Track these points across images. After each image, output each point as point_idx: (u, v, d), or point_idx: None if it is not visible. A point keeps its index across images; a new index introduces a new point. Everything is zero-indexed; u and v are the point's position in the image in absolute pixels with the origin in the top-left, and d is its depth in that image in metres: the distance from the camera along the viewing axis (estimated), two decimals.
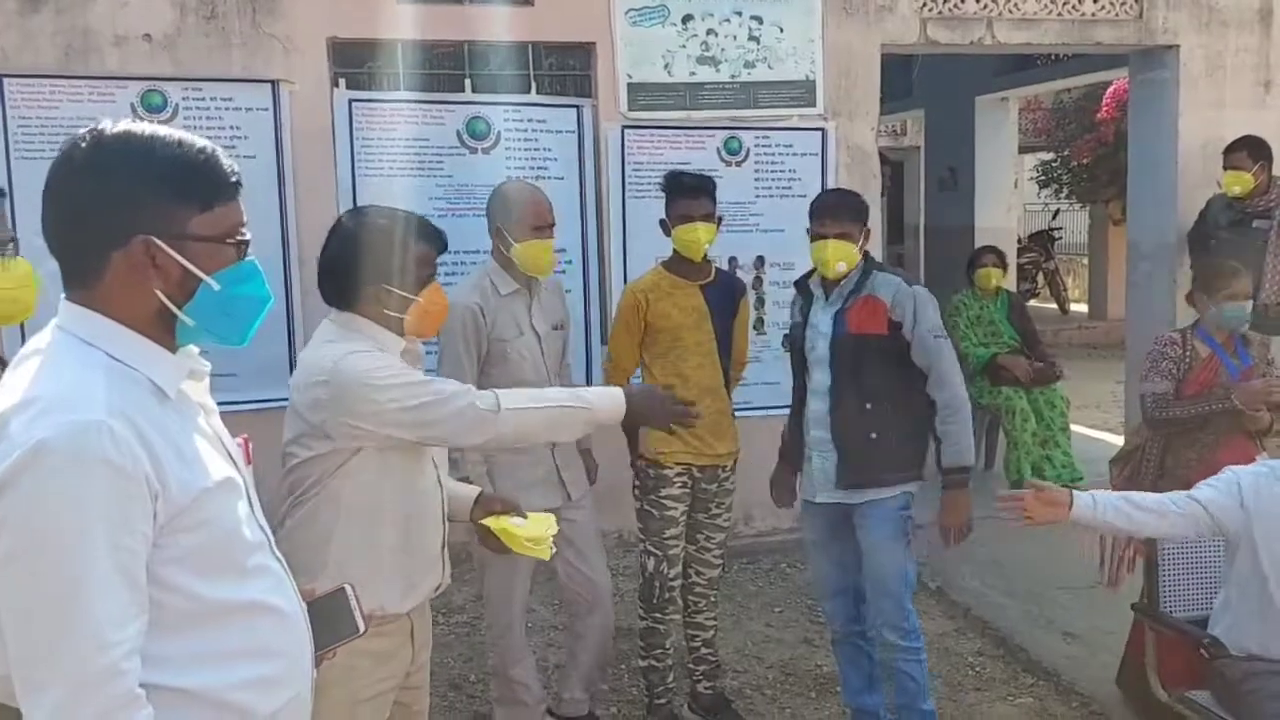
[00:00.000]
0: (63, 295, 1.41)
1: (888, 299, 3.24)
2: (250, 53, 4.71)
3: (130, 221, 1.35)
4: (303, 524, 2.21)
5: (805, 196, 5.31)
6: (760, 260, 5.29)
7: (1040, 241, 14.19)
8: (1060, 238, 15.25)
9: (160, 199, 1.37)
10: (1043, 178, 13.59)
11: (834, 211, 3.31)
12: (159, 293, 1.38)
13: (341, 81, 4.87)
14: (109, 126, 1.38)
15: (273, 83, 4.72)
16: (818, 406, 3.35)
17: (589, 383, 4.81)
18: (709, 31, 5.15)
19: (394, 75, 5.00)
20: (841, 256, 3.24)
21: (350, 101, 4.84)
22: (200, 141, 1.41)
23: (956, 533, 3.27)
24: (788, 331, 3.59)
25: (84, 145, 1.36)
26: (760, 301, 5.31)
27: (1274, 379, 3.63)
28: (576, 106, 5.11)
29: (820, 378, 3.34)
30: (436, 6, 4.85)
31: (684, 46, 5.13)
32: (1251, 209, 5.26)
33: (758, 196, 5.29)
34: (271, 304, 1.50)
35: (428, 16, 4.85)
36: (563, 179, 5.09)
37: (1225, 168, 5.33)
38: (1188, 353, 3.75)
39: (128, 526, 1.28)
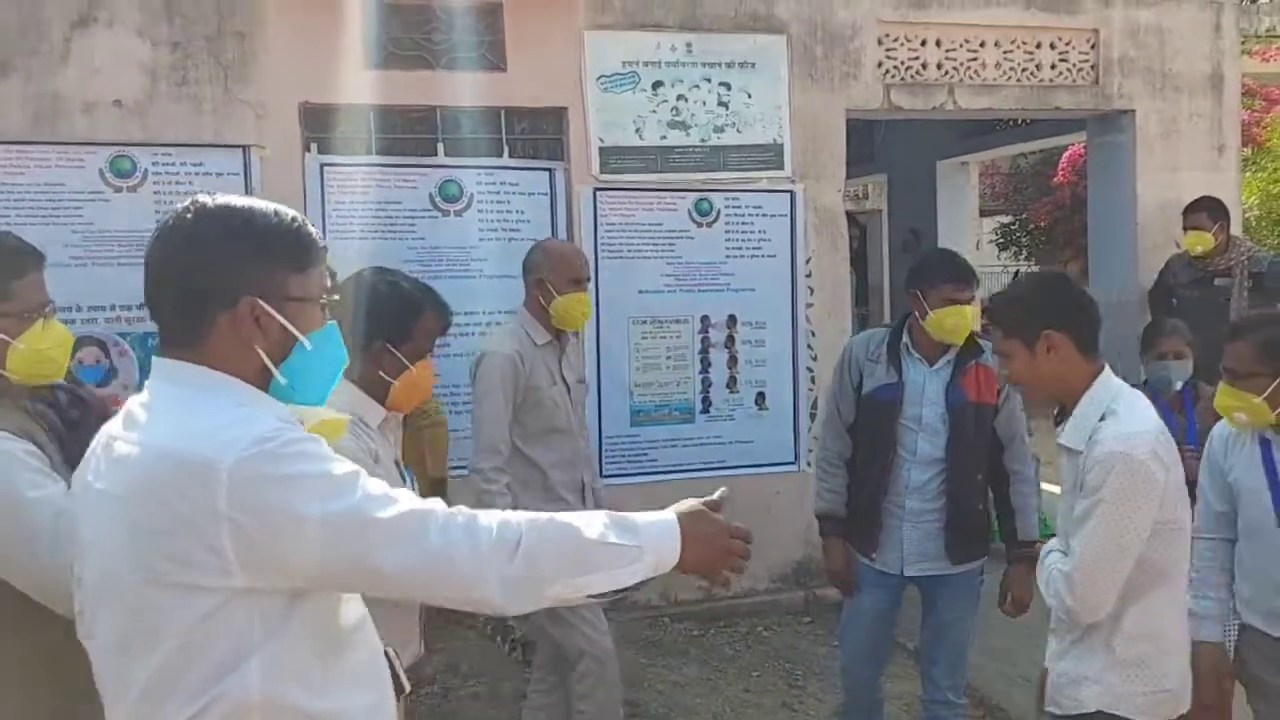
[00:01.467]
0: (158, 356, 1.49)
1: (997, 367, 3.21)
2: (222, 119, 4.71)
3: (237, 284, 1.45)
4: None
5: (775, 256, 5.40)
6: (732, 319, 5.32)
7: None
8: None
9: (262, 262, 1.47)
10: (1002, 240, 13.82)
11: (969, 277, 3.23)
12: (260, 351, 1.46)
13: (313, 146, 4.88)
14: (209, 200, 1.48)
15: (244, 148, 4.72)
16: (919, 476, 3.22)
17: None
18: (679, 97, 5.23)
19: (366, 139, 5.02)
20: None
21: (322, 166, 4.85)
22: (289, 210, 1.52)
23: (1020, 608, 3.29)
24: (862, 392, 3.31)
25: (189, 217, 1.47)
26: (733, 360, 5.33)
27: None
28: (549, 169, 5.15)
29: (928, 447, 3.21)
30: (408, 73, 4.90)
31: (654, 111, 5.20)
32: (1212, 267, 5.39)
33: (728, 256, 5.33)
34: (346, 363, 1.60)
35: (400, 82, 4.89)
36: (535, 241, 5.10)
37: (1185, 228, 5.45)
38: None
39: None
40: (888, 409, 3.23)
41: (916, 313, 3.22)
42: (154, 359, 1.49)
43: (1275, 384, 2.51)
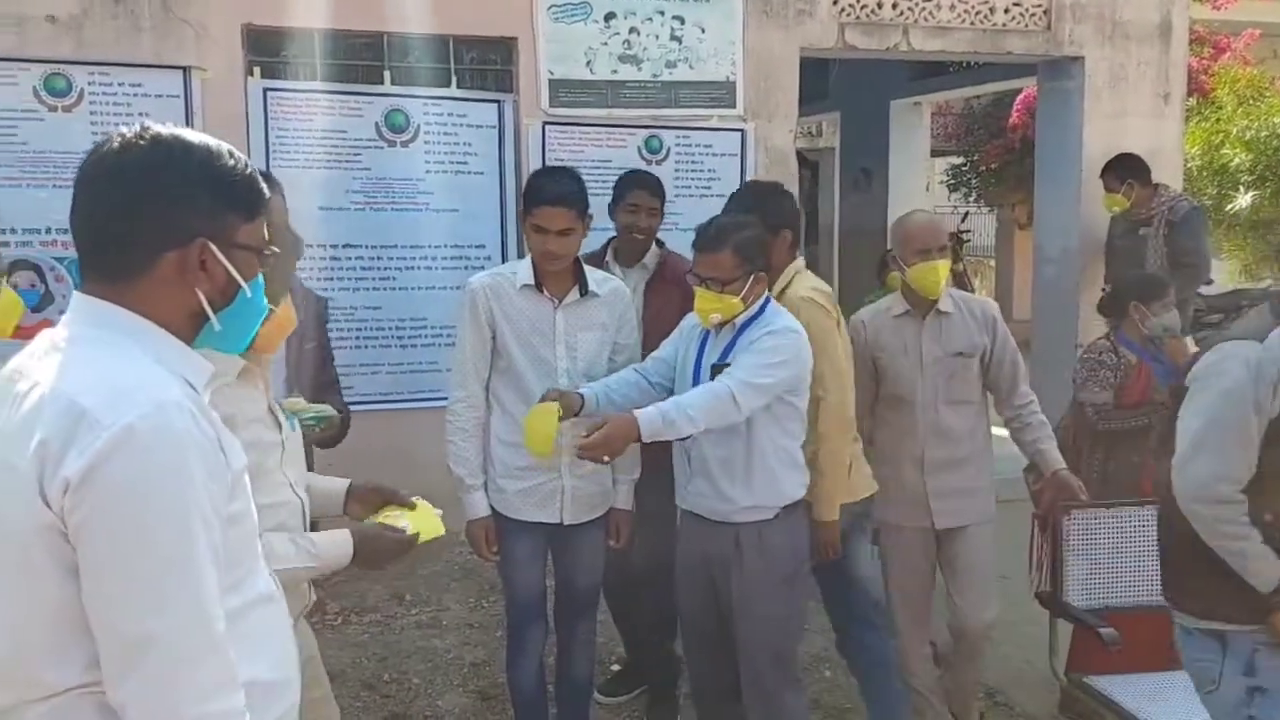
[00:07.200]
0: (78, 290, 1.39)
1: None
2: (161, 38, 4.58)
3: (190, 223, 1.38)
4: None
5: (724, 196, 5.37)
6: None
7: (950, 244, 14.50)
8: (969, 240, 15.64)
9: (218, 205, 1.40)
10: (952, 181, 13.90)
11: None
12: (201, 295, 1.40)
13: (256, 70, 4.77)
14: (162, 129, 1.39)
15: (184, 69, 4.60)
16: None
17: None
18: (631, 30, 5.16)
19: (311, 65, 4.91)
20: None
21: (265, 90, 4.74)
22: (238, 152, 1.45)
23: None
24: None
25: (143, 143, 1.37)
26: None
27: None
28: (497, 101, 5.08)
29: None
30: None
31: (606, 44, 5.14)
32: (1136, 217, 5.52)
33: (677, 195, 5.30)
34: (266, 313, 1.54)
35: (346, 6, 4.77)
36: (483, 174, 5.06)
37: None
38: (1121, 360, 3.88)
39: (214, 504, 1.31)
40: None
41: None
42: (75, 294, 1.40)
43: (750, 281, 2.89)
